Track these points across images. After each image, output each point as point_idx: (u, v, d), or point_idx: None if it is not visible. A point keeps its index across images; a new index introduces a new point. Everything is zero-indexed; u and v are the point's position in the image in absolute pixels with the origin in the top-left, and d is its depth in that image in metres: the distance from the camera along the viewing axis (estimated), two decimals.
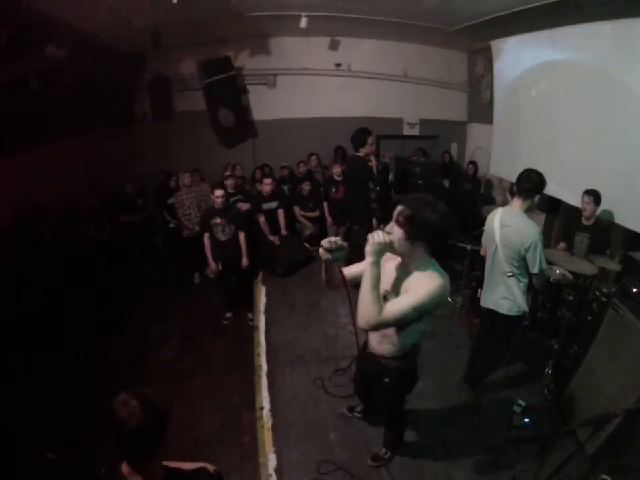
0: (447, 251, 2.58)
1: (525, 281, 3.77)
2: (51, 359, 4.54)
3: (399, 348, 2.80)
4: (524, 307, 3.81)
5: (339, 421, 4.18)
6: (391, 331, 2.70)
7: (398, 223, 2.38)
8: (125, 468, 1.68)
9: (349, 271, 2.75)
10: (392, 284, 2.60)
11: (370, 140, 5.62)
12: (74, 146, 6.33)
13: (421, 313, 2.39)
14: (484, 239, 4.07)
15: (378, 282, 2.39)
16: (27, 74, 5.04)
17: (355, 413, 4.20)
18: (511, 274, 3.72)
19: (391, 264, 2.63)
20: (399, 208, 2.41)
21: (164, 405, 1.73)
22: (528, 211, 3.68)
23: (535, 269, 3.60)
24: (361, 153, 5.66)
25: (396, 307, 2.39)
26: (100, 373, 4.71)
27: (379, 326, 2.45)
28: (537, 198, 3.67)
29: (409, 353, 2.87)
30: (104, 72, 6.63)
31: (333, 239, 2.48)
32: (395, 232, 2.40)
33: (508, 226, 3.66)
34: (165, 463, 1.80)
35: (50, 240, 5.60)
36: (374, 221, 5.93)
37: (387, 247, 2.41)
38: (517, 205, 3.69)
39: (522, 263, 3.66)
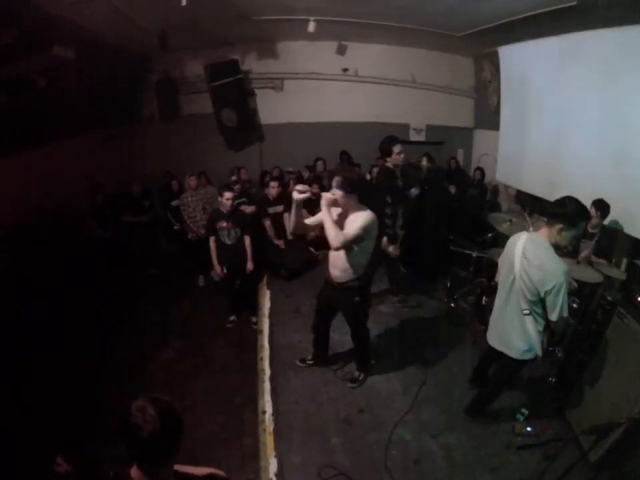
0: (362, 196, 3.89)
1: (543, 321, 3.34)
2: (53, 359, 4.58)
3: (356, 270, 3.99)
4: (538, 350, 3.42)
5: (341, 426, 4.18)
6: (347, 262, 3.92)
7: (337, 187, 3.71)
8: (134, 472, 1.67)
9: (311, 219, 4.11)
10: (342, 220, 3.83)
11: (396, 149, 5.29)
12: (79, 146, 6.41)
13: (365, 230, 3.72)
14: (500, 263, 3.66)
15: (333, 220, 3.70)
16: (33, 74, 5.09)
17: (308, 361, 5.02)
18: (528, 312, 3.30)
19: (336, 210, 3.89)
20: (337, 178, 3.74)
21: (179, 411, 1.71)
22: (559, 245, 3.20)
23: (553, 316, 3.15)
24: (389, 163, 5.39)
25: (351, 230, 3.70)
26: (103, 374, 4.74)
27: (345, 241, 3.65)
28: (569, 232, 3.11)
29: (363, 273, 4.06)
30: (111, 73, 6.70)
31: (303, 185, 3.84)
32: (336, 193, 3.73)
33: (529, 259, 3.20)
34: (175, 467, 1.79)
35: (52, 239, 5.62)
36: (384, 239, 5.39)
37: (333, 201, 3.76)
38: (543, 232, 3.25)
39: (542, 301, 3.22)
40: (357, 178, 3.97)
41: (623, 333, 3.53)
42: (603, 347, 3.74)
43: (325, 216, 3.70)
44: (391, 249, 5.44)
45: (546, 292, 3.09)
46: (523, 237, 3.37)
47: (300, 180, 8.41)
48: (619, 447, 3.25)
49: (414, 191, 5.61)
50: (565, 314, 3.15)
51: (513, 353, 3.51)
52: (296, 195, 3.72)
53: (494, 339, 3.74)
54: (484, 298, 5.63)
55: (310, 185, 7.70)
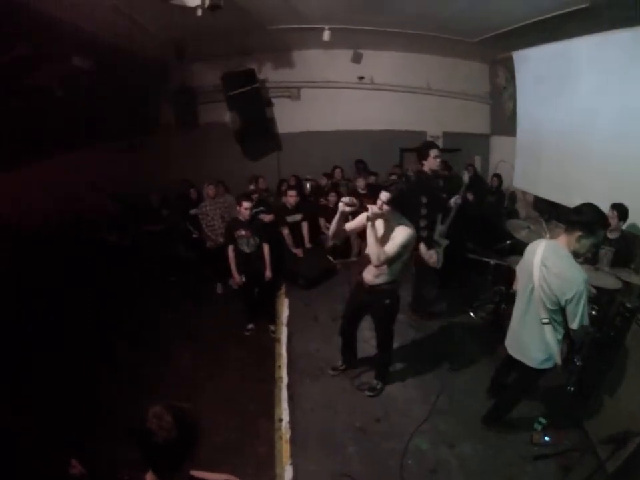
0: (406, 210, 4.02)
1: (563, 329, 3.29)
2: (53, 361, 4.61)
3: (391, 275, 4.11)
4: (557, 359, 3.35)
5: (357, 435, 4.18)
6: (384, 265, 3.96)
7: (387, 204, 3.78)
8: (149, 477, 1.71)
9: (350, 224, 4.19)
10: (384, 234, 3.97)
11: (433, 153, 5.26)
12: (97, 155, 6.56)
13: (405, 247, 3.88)
14: (519, 271, 3.59)
15: (377, 237, 3.85)
16: (51, 83, 5.19)
17: (340, 368, 5.03)
18: (547, 321, 3.25)
19: (379, 223, 3.98)
20: (385, 194, 3.80)
21: (196, 420, 1.74)
22: (577, 253, 3.15)
23: (574, 325, 3.08)
24: (425, 167, 5.34)
25: (392, 247, 3.84)
26: (121, 380, 4.77)
27: (386, 260, 3.82)
28: (588, 239, 3.06)
29: (396, 277, 4.18)
30: (129, 83, 6.82)
31: (350, 198, 3.79)
32: (385, 207, 3.80)
33: (549, 267, 3.16)
34: (191, 472, 1.82)
35: (53, 240, 5.61)
36: (421, 246, 5.42)
37: (380, 215, 3.84)
38: (563, 240, 3.18)
39: (562, 310, 3.17)
40: (405, 193, 3.99)
41: None
42: (622, 355, 3.70)
43: (370, 232, 3.84)
44: (427, 256, 5.41)
45: (566, 300, 3.03)
46: (542, 245, 3.31)
47: (318, 188, 8.47)
48: (637, 457, 3.20)
49: (455, 200, 5.49)
50: (586, 322, 3.09)
51: (532, 362, 3.46)
52: (342, 207, 3.79)
53: (512, 347, 3.70)
54: (502, 306, 5.60)
55: (327, 193, 7.78)
